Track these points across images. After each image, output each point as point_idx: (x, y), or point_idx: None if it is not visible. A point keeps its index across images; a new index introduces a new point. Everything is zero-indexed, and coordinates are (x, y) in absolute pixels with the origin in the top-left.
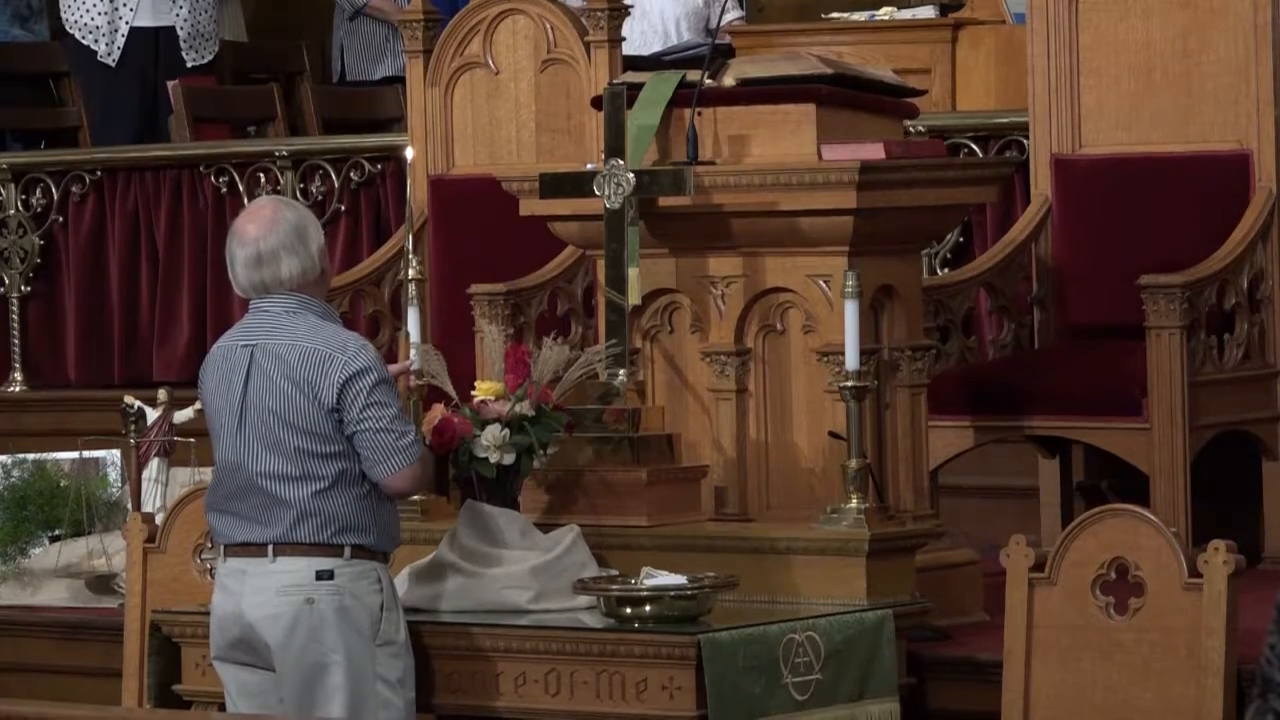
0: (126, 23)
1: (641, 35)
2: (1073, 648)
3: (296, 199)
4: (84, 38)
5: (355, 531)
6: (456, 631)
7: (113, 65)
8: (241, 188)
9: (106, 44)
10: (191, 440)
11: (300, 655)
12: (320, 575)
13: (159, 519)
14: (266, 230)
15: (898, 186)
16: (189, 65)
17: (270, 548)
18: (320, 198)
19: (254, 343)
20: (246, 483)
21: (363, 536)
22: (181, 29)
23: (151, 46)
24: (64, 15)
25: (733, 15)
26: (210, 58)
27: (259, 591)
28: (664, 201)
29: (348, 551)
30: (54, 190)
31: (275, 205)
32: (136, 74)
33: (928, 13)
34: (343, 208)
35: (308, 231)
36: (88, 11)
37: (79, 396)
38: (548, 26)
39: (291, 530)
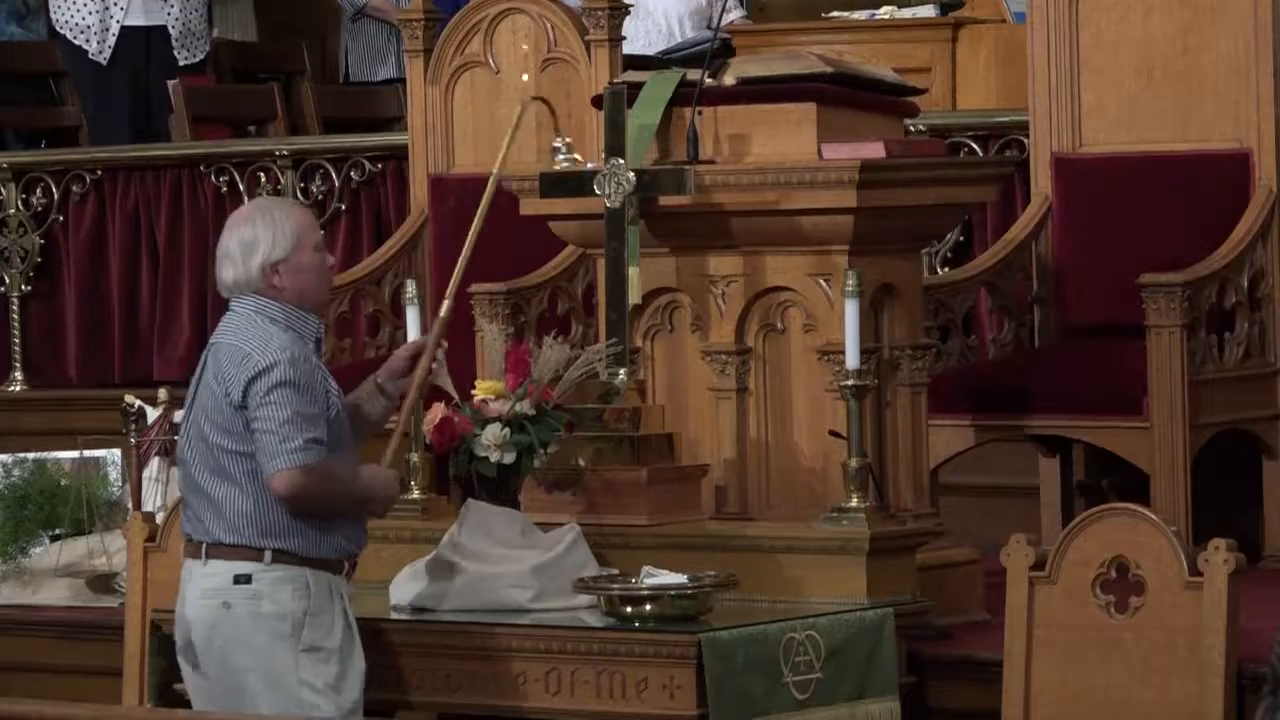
0: (118, 22)
1: (645, 34)
2: (1073, 646)
3: (297, 198)
4: (75, 37)
5: (275, 535)
6: (456, 630)
7: (104, 64)
8: (242, 187)
9: (98, 43)
10: None
11: (221, 659)
12: (238, 579)
13: (159, 518)
14: (228, 234)
15: (898, 185)
16: (181, 64)
17: (204, 548)
18: (321, 197)
19: (213, 341)
20: (188, 479)
21: (284, 540)
22: (173, 28)
23: (143, 45)
24: (54, 15)
25: (735, 14)
26: (201, 56)
27: (191, 593)
28: (664, 200)
29: (268, 556)
30: (54, 190)
31: (249, 210)
32: (128, 72)
33: (928, 12)
34: (343, 207)
35: (256, 246)
36: (78, 11)
37: (79, 396)
38: (548, 26)
39: (221, 531)
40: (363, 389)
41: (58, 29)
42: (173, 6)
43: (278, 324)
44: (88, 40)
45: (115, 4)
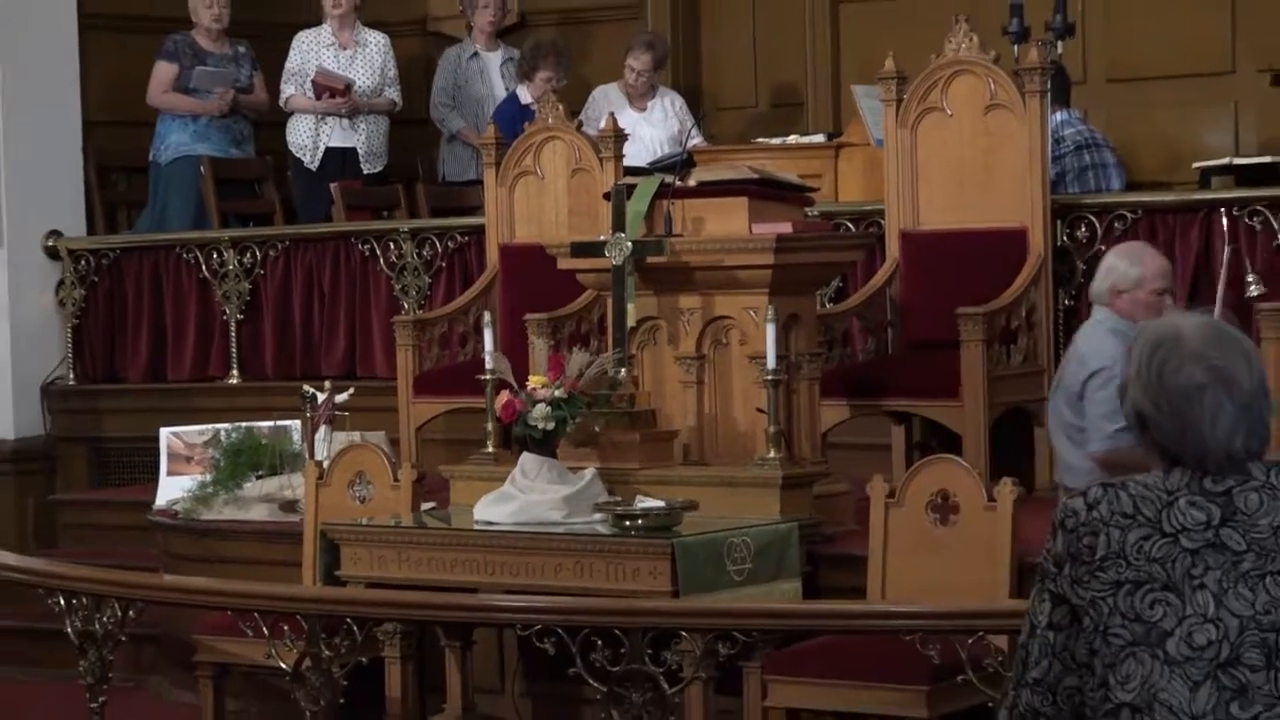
0: (324, 144)
1: (637, 153)
2: (913, 548)
3: (412, 260)
4: (297, 152)
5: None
6: (516, 537)
7: (314, 171)
8: (378, 252)
9: (310, 156)
10: (348, 413)
11: None
12: None
13: (326, 465)
14: (1108, 254)
15: (801, 250)
16: (365, 173)
17: (1059, 489)
18: (429, 258)
19: (1074, 338)
20: (1054, 436)
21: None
22: (361, 148)
23: (340, 159)
24: (288, 136)
25: (696, 140)
26: (381, 168)
27: None
28: (650, 260)
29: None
30: (258, 254)
31: (1126, 245)
32: (330, 177)
33: (819, 139)
34: (443, 265)
35: (1113, 271)
36: (301, 135)
37: (274, 385)
38: (576, 148)
39: (1066, 477)
40: None
41: (288, 146)
42: (361, 135)
43: (1116, 334)
44: (303, 154)
45: (323, 131)
